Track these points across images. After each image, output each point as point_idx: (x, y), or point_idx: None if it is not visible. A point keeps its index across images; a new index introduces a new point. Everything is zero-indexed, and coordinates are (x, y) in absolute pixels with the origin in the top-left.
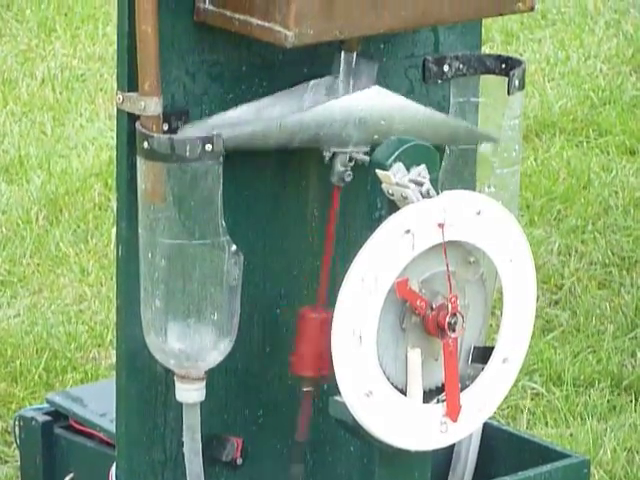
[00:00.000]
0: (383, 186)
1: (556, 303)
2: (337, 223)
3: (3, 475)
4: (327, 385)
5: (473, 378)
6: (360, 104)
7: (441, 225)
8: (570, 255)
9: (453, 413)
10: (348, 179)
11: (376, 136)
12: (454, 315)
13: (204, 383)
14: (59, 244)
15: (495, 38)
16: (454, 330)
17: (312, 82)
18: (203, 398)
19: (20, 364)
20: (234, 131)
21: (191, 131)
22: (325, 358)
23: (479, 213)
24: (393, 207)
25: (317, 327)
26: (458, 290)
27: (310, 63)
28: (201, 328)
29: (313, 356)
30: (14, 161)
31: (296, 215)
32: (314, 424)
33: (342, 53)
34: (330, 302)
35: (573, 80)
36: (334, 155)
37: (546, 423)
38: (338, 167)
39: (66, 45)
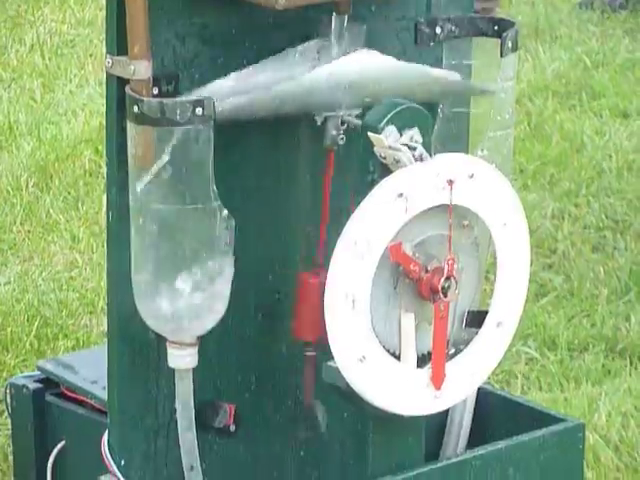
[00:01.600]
0: (375, 149)
1: (550, 267)
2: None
3: None
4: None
5: (467, 342)
6: (350, 68)
7: (451, 182)
8: (563, 219)
9: (437, 380)
10: (341, 142)
11: (368, 99)
12: (448, 279)
13: (196, 349)
14: (49, 211)
15: None
16: (446, 294)
17: (301, 46)
18: (196, 364)
19: (11, 332)
20: (224, 104)
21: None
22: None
23: (472, 176)
24: (386, 171)
25: (317, 291)
26: (461, 253)
27: (300, 26)
28: (193, 294)
29: (314, 320)
30: (3, 128)
31: (288, 179)
32: (316, 396)
33: (333, 15)
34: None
35: (566, 43)
36: (326, 119)
37: (540, 388)
38: (331, 131)
39: (55, 11)
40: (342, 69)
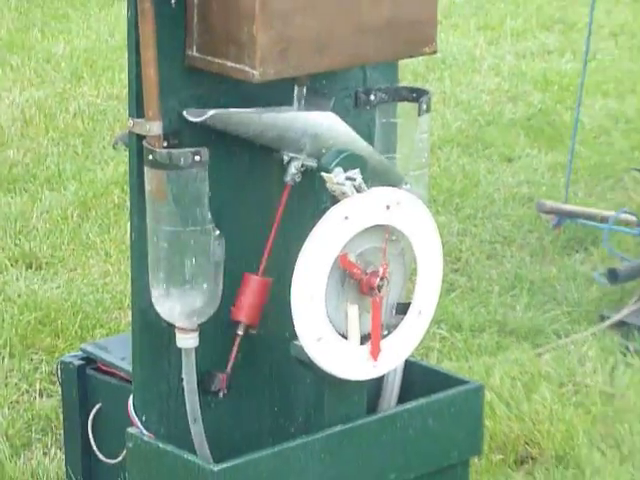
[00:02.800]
0: (327, 185)
1: (456, 271)
2: (293, 213)
3: (50, 406)
4: (289, 333)
5: (396, 326)
6: (317, 122)
7: (388, 207)
8: (466, 235)
9: (374, 354)
10: (298, 180)
11: (323, 150)
12: (382, 279)
13: (197, 333)
14: (89, 234)
15: (407, 77)
16: (380, 291)
17: (267, 113)
18: (197, 344)
19: (61, 323)
20: (221, 112)
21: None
22: (257, 311)
23: (399, 204)
24: (335, 200)
25: (254, 287)
26: (392, 259)
27: (272, 94)
28: (194, 294)
29: (249, 307)
30: (54, 174)
31: (257, 206)
32: (280, 363)
33: (295, 87)
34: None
35: (465, 107)
36: (290, 159)
37: (450, 359)
38: (292, 169)
39: (92, 88)
40: (311, 119)
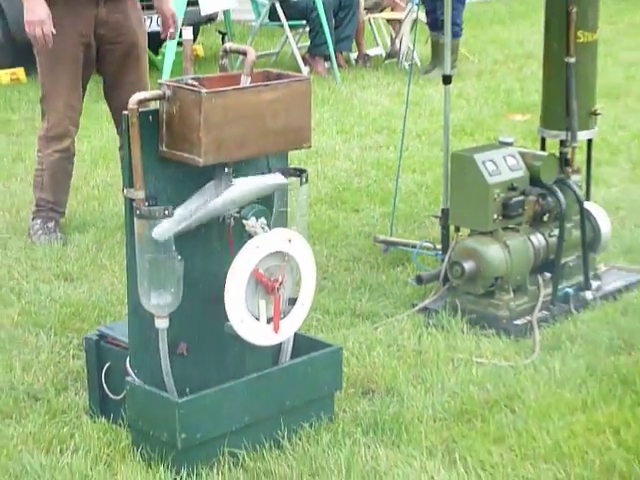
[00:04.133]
0: (246, 228)
1: (325, 278)
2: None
3: (79, 364)
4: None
5: (289, 312)
6: (237, 193)
7: (290, 240)
8: (331, 257)
9: (276, 329)
10: (232, 224)
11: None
12: (280, 284)
13: (167, 319)
14: (102, 259)
15: (294, 162)
16: (279, 292)
17: (207, 185)
18: (167, 325)
19: (86, 315)
20: (180, 226)
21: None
22: None
23: (290, 240)
24: (251, 236)
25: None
26: (285, 271)
27: (209, 172)
28: (166, 294)
29: None
30: (80, 224)
31: (214, 241)
32: (221, 335)
33: (225, 168)
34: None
35: (330, 180)
36: (225, 216)
37: (322, 332)
38: (228, 219)
39: (104, 173)
40: (233, 195)
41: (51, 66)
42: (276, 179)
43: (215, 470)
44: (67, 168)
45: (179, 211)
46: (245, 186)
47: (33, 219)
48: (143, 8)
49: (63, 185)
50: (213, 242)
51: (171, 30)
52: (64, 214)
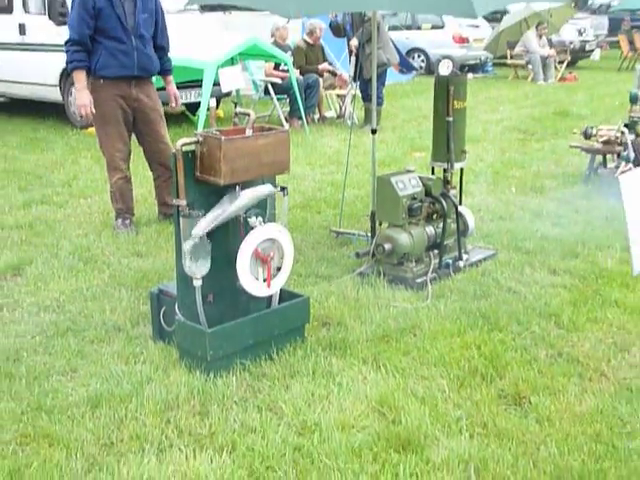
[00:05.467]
0: (250, 223)
1: (299, 254)
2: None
3: (146, 309)
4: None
5: (276, 275)
6: (245, 200)
7: (279, 231)
8: (302, 242)
9: (268, 285)
10: (242, 221)
11: (249, 209)
12: (272, 258)
13: (201, 279)
14: (163, 244)
15: (280, 182)
16: (272, 262)
17: (225, 197)
18: (201, 283)
19: (150, 278)
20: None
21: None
22: None
23: (280, 231)
24: (253, 228)
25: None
26: (274, 250)
27: (226, 188)
28: (200, 265)
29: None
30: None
31: (230, 231)
32: (235, 290)
33: (236, 187)
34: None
35: (302, 193)
36: (240, 216)
37: (298, 287)
38: (240, 219)
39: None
40: (241, 203)
41: (101, 125)
42: (267, 188)
43: (231, 373)
44: (128, 187)
45: (209, 215)
46: (248, 196)
47: (115, 219)
48: (184, 87)
49: (128, 198)
50: (230, 232)
51: (172, 104)
52: (134, 215)
